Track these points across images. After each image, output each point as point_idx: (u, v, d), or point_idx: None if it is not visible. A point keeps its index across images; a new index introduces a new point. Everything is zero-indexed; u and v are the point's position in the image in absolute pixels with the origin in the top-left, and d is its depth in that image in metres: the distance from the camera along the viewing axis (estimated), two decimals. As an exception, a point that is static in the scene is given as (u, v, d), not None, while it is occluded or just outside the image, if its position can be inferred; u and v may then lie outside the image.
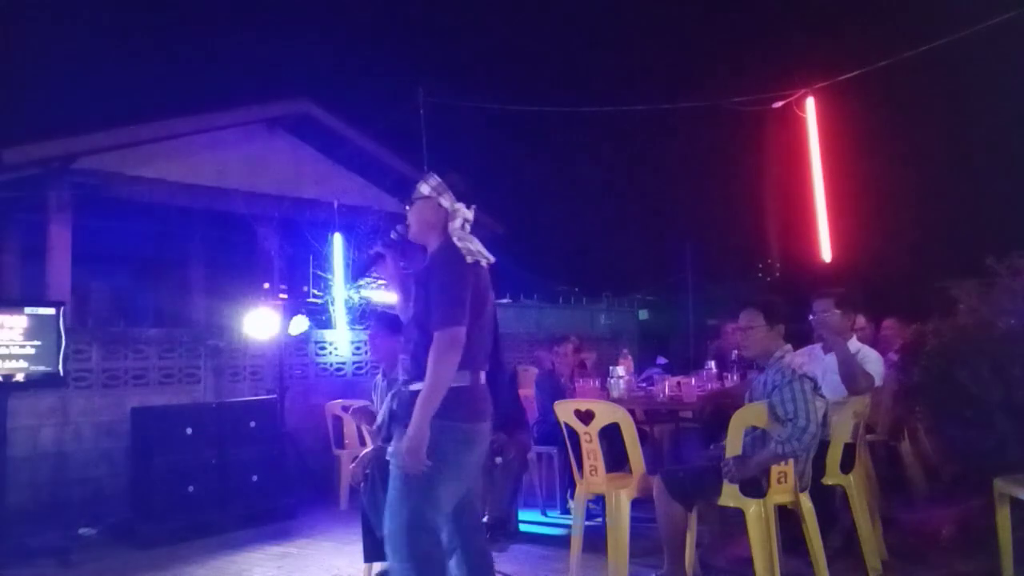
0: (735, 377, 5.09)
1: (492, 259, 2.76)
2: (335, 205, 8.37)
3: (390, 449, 2.75)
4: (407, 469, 2.57)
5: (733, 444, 3.54)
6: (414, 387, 2.64)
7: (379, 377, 4.33)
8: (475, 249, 2.72)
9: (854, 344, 4.38)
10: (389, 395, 2.80)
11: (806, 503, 3.59)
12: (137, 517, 5.29)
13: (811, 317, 4.33)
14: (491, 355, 2.80)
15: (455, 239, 2.73)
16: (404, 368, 2.75)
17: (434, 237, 2.78)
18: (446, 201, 2.75)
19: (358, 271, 2.62)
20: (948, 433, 4.56)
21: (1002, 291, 4.23)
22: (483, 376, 2.73)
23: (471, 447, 2.70)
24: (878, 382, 4.25)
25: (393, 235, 2.86)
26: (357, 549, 4.09)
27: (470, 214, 2.79)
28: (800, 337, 4.20)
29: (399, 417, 2.72)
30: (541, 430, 5.67)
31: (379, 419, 2.80)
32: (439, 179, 2.77)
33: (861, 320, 5.59)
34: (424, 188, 2.77)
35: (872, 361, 4.27)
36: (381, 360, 4.28)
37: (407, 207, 2.84)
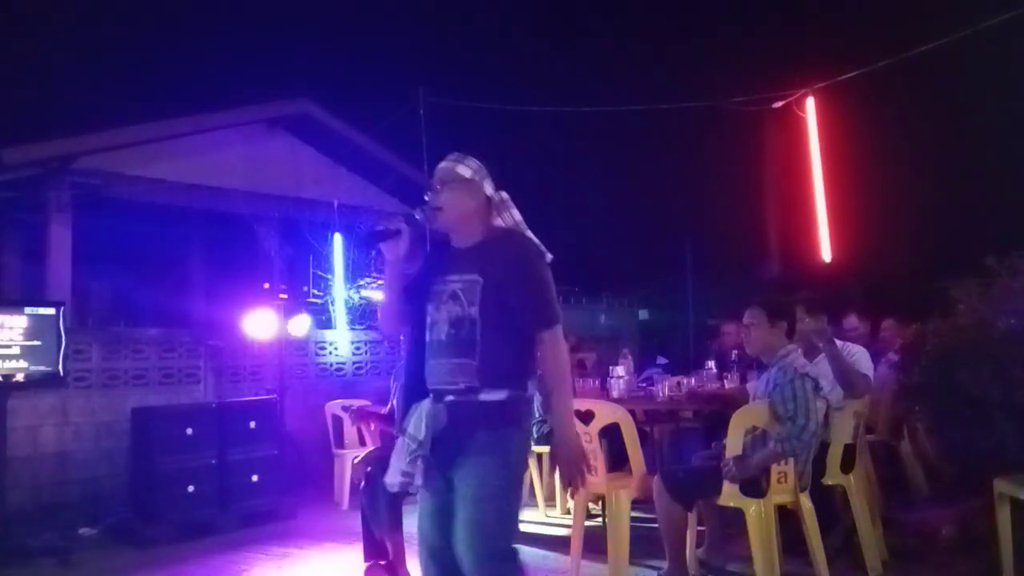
0: (735, 377, 5.09)
1: (551, 257, 2.53)
2: (335, 205, 8.37)
3: (405, 468, 2.37)
4: (575, 479, 2.37)
5: (733, 444, 3.55)
6: (485, 396, 2.35)
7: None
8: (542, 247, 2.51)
9: (837, 344, 4.36)
10: (425, 411, 2.39)
11: (806, 503, 3.60)
12: (137, 517, 5.30)
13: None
14: None
15: (528, 233, 2.52)
16: (465, 373, 2.37)
17: (473, 226, 2.50)
18: (489, 188, 2.50)
19: (369, 239, 2.17)
20: (948, 433, 4.55)
21: (1002, 291, 4.23)
22: None
23: None
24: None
25: (418, 216, 2.47)
26: (357, 549, 4.10)
27: None
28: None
29: (454, 429, 2.37)
30: (541, 430, 5.66)
31: (421, 436, 2.36)
32: (479, 162, 2.51)
33: (853, 320, 5.59)
34: (463, 170, 2.48)
35: (860, 359, 4.27)
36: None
37: (430, 193, 2.50)
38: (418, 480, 2.38)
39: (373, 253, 2.22)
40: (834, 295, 5.74)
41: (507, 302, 2.37)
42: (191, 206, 8.38)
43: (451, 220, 2.48)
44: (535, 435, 5.60)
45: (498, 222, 2.54)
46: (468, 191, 2.47)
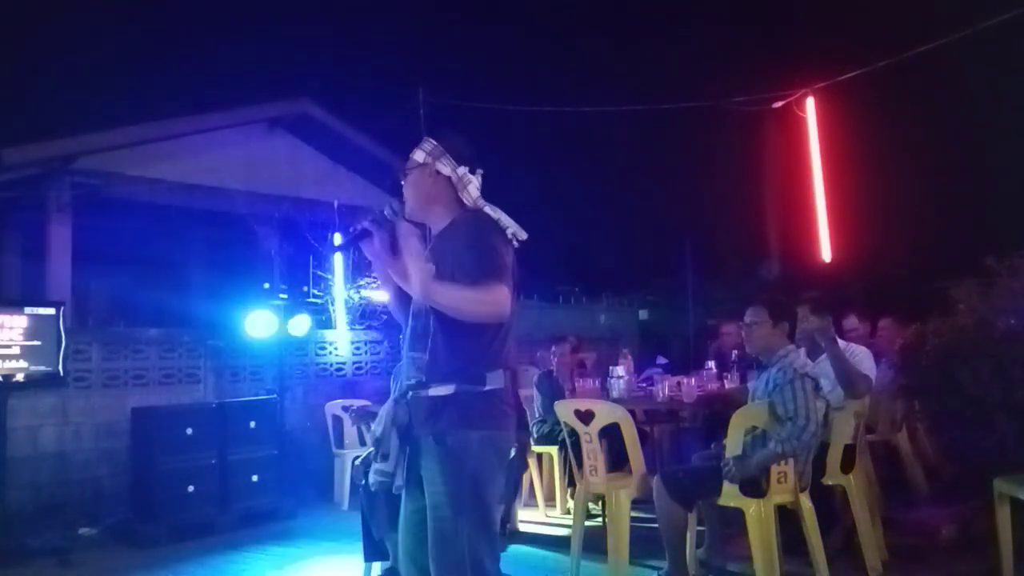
0: (735, 377, 5.09)
1: (525, 235, 2.35)
2: (335, 205, 8.37)
3: (379, 467, 2.30)
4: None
5: (733, 444, 3.54)
6: (434, 391, 2.23)
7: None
8: (508, 222, 2.32)
9: (840, 344, 4.36)
10: (386, 409, 2.33)
11: (806, 503, 3.59)
12: (137, 517, 5.30)
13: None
14: None
15: (487, 209, 2.34)
16: (416, 367, 2.28)
17: (439, 211, 2.38)
18: (445, 167, 2.35)
19: (341, 247, 2.09)
20: (948, 433, 4.56)
21: (1002, 291, 4.23)
22: None
23: (506, 460, 2.35)
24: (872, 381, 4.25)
25: (387, 212, 2.37)
26: (357, 549, 4.09)
27: (477, 181, 2.38)
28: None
29: (412, 428, 2.28)
30: (541, 430, 5.67)
31: (379, 434, 2.31)
32: (435, 143, 2.38)
33: (853, 320, 5.59)
34: (418, 155, 2.38)
35: (863, 359, 4.27)
36: None
37: (402, 182, 2.44)
38: (398, 480, 2.28)
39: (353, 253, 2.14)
40: (834, 295, 5.74)
41: (459, 276, 2.19)
42: (191, 206, 8.39)
43: (413, 208, 2.39)
44: (535, 435, 5.63)
45: (465, 202, 2.39)
46: (422, 176, 2.37)
